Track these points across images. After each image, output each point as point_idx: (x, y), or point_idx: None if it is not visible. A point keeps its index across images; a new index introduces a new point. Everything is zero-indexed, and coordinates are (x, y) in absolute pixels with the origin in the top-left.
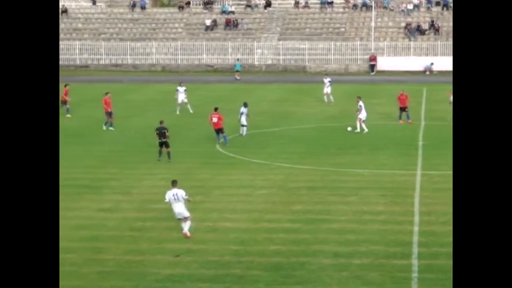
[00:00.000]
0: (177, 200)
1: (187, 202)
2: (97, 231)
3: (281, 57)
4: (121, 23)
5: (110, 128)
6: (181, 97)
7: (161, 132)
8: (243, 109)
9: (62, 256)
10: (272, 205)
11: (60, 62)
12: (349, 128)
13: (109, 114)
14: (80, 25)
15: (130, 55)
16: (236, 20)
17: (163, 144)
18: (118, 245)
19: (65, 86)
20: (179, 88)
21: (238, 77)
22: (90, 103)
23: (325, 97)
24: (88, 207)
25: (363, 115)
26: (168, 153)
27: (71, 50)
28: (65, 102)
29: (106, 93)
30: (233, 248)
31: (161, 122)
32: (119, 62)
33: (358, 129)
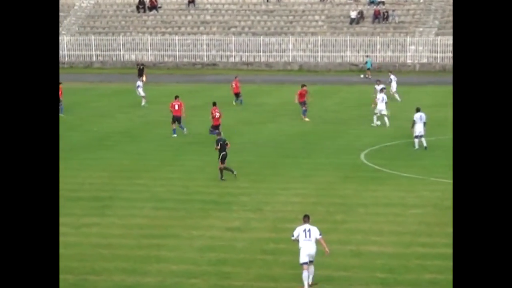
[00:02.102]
0: (308, 238)
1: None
2: (225, 254)
3: (439, 54)
4: (254, 15)
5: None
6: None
7: (224, 144)
8: (419, 115)
9: (186, 281)
10: (427, 226)
11: (186, 59)
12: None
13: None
14: (208, 18)
15: (263, 51)
16: (387, 12)
17: (225, 158)
18: (248, 270)
19: (235, 78)
20: (376, 87)
21: (368, 76)
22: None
23: (397, 96)
24: (215, 226)
25: (379, 108)
26: (226, 168)
27: (198, 46)
28: (237, 94)
29: (176, 97)
30: (379, 276)
31: (219, 133)
32: (251, 59)
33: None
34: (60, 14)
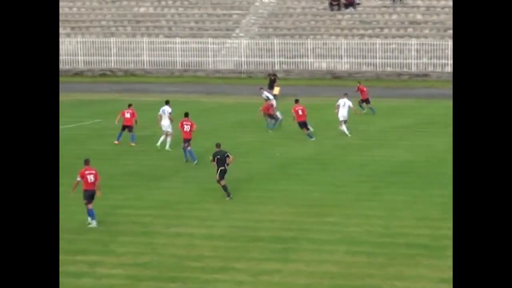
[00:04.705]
0: None
1: None
2: None
3: None
4: None
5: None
6: None
7: (223, 158)
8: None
9: None
10: None
11: (389, 69)
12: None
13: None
14: (419, 17)
15: None
16: None
17: (224, 174)
18: None
19: (359, 83)
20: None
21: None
22: (428, 126)
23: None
24: (426, 276)
25: (341, 115)
26: (225, 188)
27: (405, 52)
28: (367, 100)
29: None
30: None
31: (218, 146)
32: None
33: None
34: (238, 12)
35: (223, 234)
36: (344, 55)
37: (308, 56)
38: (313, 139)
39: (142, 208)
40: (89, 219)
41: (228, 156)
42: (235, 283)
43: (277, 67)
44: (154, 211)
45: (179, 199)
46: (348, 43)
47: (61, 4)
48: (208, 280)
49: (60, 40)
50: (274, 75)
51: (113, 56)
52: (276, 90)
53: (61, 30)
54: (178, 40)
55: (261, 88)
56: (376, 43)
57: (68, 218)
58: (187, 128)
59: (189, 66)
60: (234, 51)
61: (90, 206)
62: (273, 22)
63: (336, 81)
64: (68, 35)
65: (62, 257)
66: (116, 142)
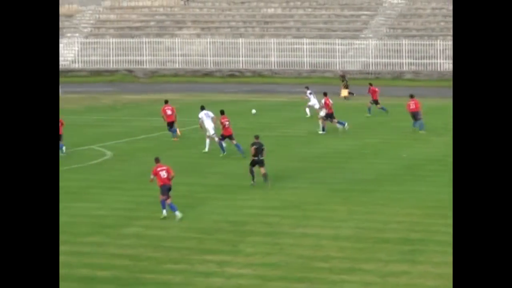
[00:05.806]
0: None
1: None
2: None
3: None
4: None
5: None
6: None
7: (260, 149)
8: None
9: None
10: None
11: None
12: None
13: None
14: None
15: None
16: None
17: (258, 163)
18: None
19: (369, 84)
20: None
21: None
22: None
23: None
24: None
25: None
26: (265, 175)
27: None
28: (375, 102)
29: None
30: None
31: (256, 137)
32: None
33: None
34: (367, 13)
35: (350, 235)
36: None
37: (437, 57)
38: (346, 125)
39: (269, 209)
40: (163, 211)
41: (263, 149)
42: (362, 284)
43: (405, 68)
44: (281, 211)
45: (305, 199)
46: None
47: (191, 5)
48: (335, 281)
49: (191, 40)
50: (343, 76)
51: (242, 56)
52: (344, 92)
53: (191, 31)
54: (306, 41)
55: (307, 87)
56: None
57: (199, 218)
58: (227, 124)
59: (316, 66)
60: (362, 52)
61: (169, 200)
62: (402, 22)
63: None
64: (198, 35)
65: (192, 257)
66: (175, 138)
